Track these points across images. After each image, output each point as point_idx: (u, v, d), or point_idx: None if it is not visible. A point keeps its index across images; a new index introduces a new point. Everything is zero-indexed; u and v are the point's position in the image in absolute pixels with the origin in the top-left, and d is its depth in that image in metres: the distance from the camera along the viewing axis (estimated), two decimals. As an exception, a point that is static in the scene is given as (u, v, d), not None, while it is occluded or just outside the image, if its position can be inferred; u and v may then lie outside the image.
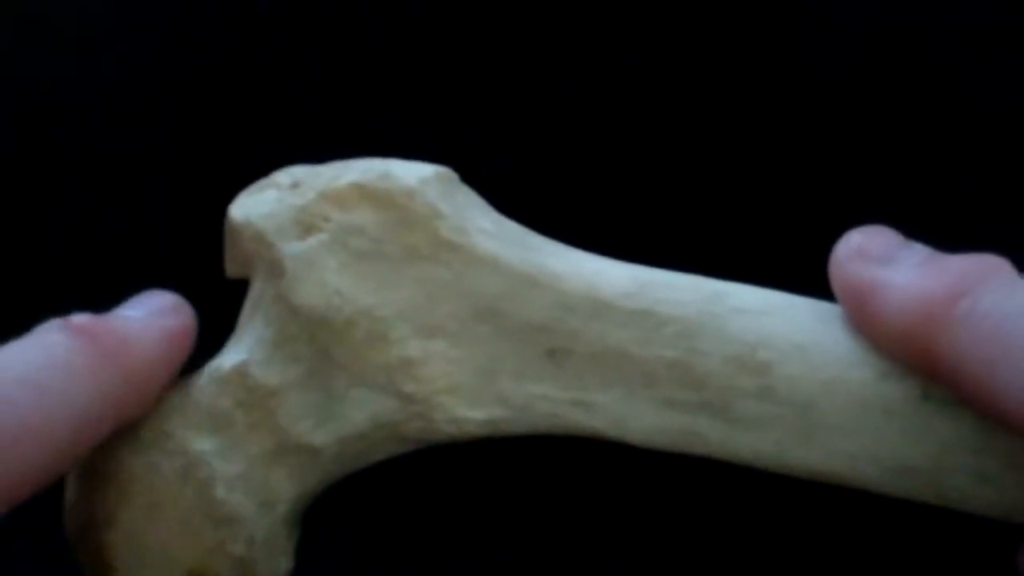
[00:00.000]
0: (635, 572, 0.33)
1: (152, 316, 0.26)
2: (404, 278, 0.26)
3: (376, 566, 0.33)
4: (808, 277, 0.27)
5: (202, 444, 0.26)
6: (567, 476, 0.33)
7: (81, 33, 0.33)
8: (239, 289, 0.28)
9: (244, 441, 0.26)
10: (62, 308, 0.33)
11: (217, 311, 0.28)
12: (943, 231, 0.26)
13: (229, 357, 0.27)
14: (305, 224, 0.26)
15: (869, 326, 0.25)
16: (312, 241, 0.26)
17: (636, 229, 0.32)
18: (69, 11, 0.33)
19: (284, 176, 0.27)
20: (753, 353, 0.26)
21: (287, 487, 0.27)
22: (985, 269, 0.24)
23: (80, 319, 0.25)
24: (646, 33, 0.32)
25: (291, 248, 0.26)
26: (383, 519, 0.33)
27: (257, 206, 0.27)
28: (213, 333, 0.28)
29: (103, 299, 0.33)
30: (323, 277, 0.26)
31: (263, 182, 0.27)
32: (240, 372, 0.26)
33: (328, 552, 0.32)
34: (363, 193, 0.26)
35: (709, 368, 0.26)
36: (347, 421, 0.26)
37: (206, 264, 0.29)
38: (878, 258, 0.25)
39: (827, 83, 0.31)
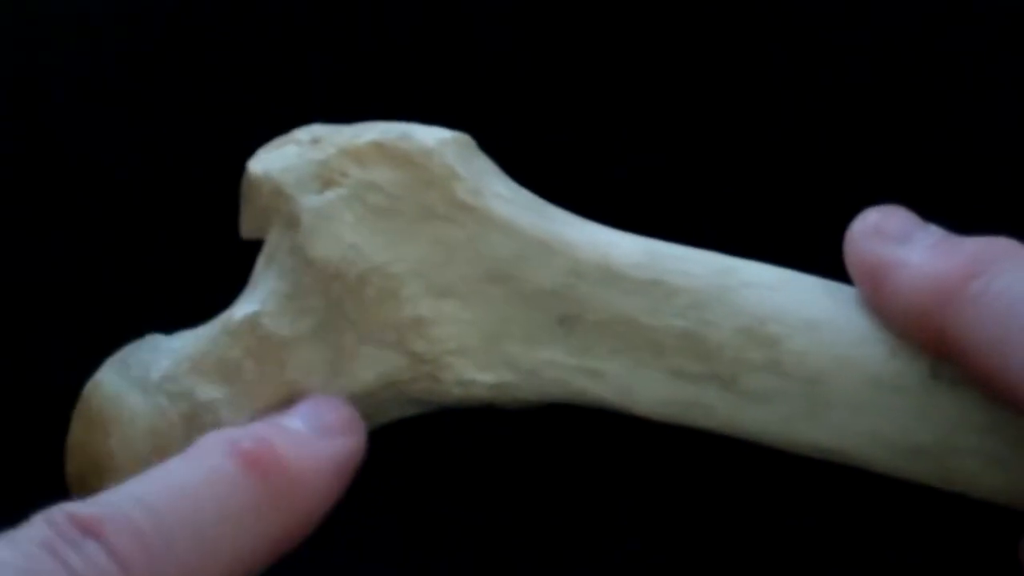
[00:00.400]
0: (635, 558, 0.33)
1: (322, 438, 0.25)
2: (419, 236, 0.26)
3: (379, 531, 0.33)
4: (817, 261, 0.27)
5: (210, 392, 0.26)
6: (571, 461, 0.33)
7: (81, 31, 0.33)
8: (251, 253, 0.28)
9: (253, 392, 0.26)
10: (67, 298, 0.33)
11: (227, 274, 0.28)
12: (951, 217, 0.26)
13: (242, 308, 0.27)
14: (324, 178, 0.26)
15: (882, 304, 0.26)
16: (330, 195, 0.26)
17: (646, 210, 0.32)
18: (69, 8, 0.33)
19: (304, 133, 0.27)
20: (762, 326, 0.26)
21: None
22: (999, 251, 0.25)
23: (249, 443, 0.24)
24: (656, 19, 0.32)
25: (308, 201, 0.26)
26: (388, 486, 0.33)
27: (276, 160, 0.27)
28: (222, 297, 0.28)
29: (109, 286, 0.33)
30: (339, 231, 0.26)
31: (283, 139, 0.28)
32: (252, 322, 0.26)
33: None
34: (382, 151, 0.27)
35: (718, 339, 0.26)
36: (355, 378, 0.27)
37: (217, 228, 0.29)
38: (894, 237, 0.26)
39: (839, 68, 0.32)
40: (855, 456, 0.26)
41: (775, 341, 0.26)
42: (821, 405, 0.26)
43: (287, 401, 0.26)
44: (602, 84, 0.32)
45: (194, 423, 0.26)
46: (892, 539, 0.32)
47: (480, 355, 0.27)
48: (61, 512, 0.22)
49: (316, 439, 0.25)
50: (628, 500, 0.33)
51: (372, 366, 0.26)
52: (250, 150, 0.28)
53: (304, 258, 0.26)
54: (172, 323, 0.28)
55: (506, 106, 0.33)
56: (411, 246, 0.26)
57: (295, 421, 0.25)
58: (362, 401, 0.27)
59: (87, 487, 0.27)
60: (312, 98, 0.33)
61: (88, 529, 0.22)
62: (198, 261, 0.33)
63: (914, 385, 0.25)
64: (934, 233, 0.26)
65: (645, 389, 0.26)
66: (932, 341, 0.25)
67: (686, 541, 0.33)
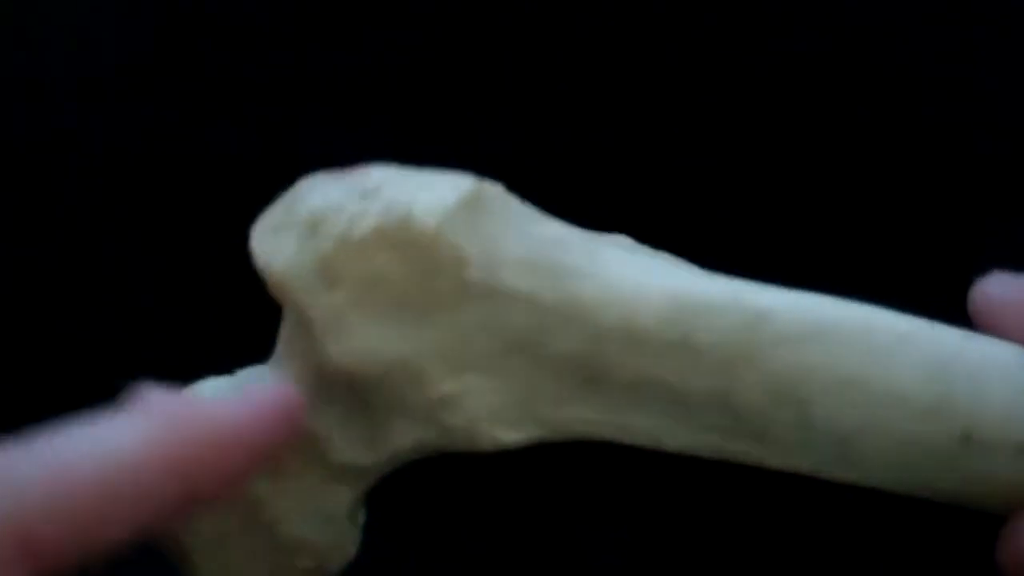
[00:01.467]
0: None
1: (243, 398, 0.24)
2: (434, 324, 0.26)
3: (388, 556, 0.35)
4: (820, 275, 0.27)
5: (259, 490, 0.27)
6: (573, 476, 0.33)
7: (81, 31, 0.31)
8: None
9: (298, 479, 0.27)
10: (70, 310, 0.33)
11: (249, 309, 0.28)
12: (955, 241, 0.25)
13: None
14: (328, 277, 0.26)
15: None
16: (338, 297, 0.26)
17: (656, 230, 0.31)
18: (70, 6, 0.31)
19: (301, 209, 0.26)
20: (792, 388, 0.26)
21: (345, 499, 0.28)
22: None
23: (158, 396, 0.23)
24: (666, 45, 0.30)
25: (317, 302, 0.26)
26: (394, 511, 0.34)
27: (277, 251, 0.26)
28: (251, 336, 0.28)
29: (113, 303, 0.33)
30: (351, 334, 0.26)
31: (279, 216, 0.27)
32: None
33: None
34: (385, 240, 0.25)
35: (747, 399, 0.26)
36: (392, 445, 0.27)
37: (236, 265, 0.29)
38: None
39: (845, 89, 0.30)
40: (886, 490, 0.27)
41: (804, 401, 0.26)
42: (851, 460, 0.26)
43: (332, 477, 0.27)
44: (609, 103, 0.30)
45: (251, 520, 0.27)
46: (879, 552, 0.33)
47: (511, 418, 0.27)
48: None
49: (239, 399, 0.24)
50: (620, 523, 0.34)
51: (407, 435, 0.27)
52: (263, 152, 0.27)
53: (323, 356, 0.26)
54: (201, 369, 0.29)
55: (524, 119, 0.31)
56: (427, 333, 0.26)
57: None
58: (402, 457, 0.27)
59: (175, 548, 0.29)
60: (320, 96, 0.32)
61: None
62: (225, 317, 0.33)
63: (944, 448, 0.25)
64: None
65: (675, 439, 0.27)
66: None
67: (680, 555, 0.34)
